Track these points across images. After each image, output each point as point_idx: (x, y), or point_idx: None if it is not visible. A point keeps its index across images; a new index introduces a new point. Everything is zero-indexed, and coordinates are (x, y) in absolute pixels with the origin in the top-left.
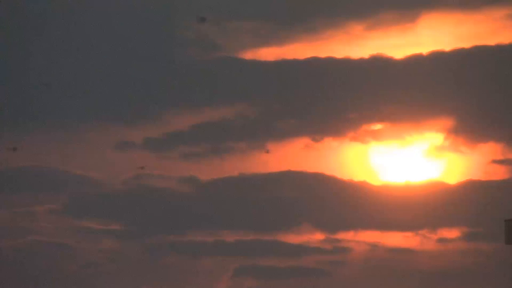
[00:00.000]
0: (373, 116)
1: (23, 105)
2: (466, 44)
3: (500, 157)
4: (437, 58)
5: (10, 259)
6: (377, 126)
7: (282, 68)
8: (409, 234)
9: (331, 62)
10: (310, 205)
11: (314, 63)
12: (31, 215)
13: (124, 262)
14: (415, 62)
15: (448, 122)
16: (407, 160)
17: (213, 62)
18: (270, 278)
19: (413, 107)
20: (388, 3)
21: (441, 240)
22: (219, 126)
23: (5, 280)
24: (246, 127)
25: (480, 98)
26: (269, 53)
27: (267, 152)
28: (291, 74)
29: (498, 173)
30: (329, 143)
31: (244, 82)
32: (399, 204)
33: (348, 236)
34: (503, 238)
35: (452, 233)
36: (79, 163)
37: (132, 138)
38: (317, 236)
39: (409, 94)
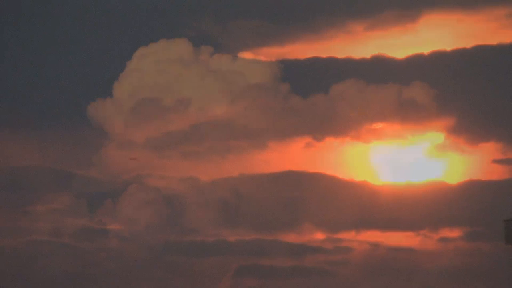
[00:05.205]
0: (374, 115)
1: (24, 105)
2: (467, 43)
3: (500, 156)
4: (438, 58)
5: (10, 259)
6: (379, 126)
7: (283, 68)
8: (410, 233)
9: (332, 62)
10: (311, 205)
11: (315, 63)
12: (31, 215)
13: (124, 262)
14: (416, 62)
15: (449, 121)
16: (408, 159)
17: (213, 62)
18: (271, 277)
19: (414, 107)
20: (389, 3)
21: (442, 240)
22: (219, 126)
23: (5, 280)
24: (246, 127)
25: (481, 97)
26: (270, 53)
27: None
28: (292, 74)
29: (499, 173)
30: (330, 142)
31: (245, 82)
32: (400, 204)
33: (349, 236)
34: (503, 238)
35: (452, 233)
36: (79, 163)
37: (133, 138)
38: (318, 236)
39: (410, 94)
